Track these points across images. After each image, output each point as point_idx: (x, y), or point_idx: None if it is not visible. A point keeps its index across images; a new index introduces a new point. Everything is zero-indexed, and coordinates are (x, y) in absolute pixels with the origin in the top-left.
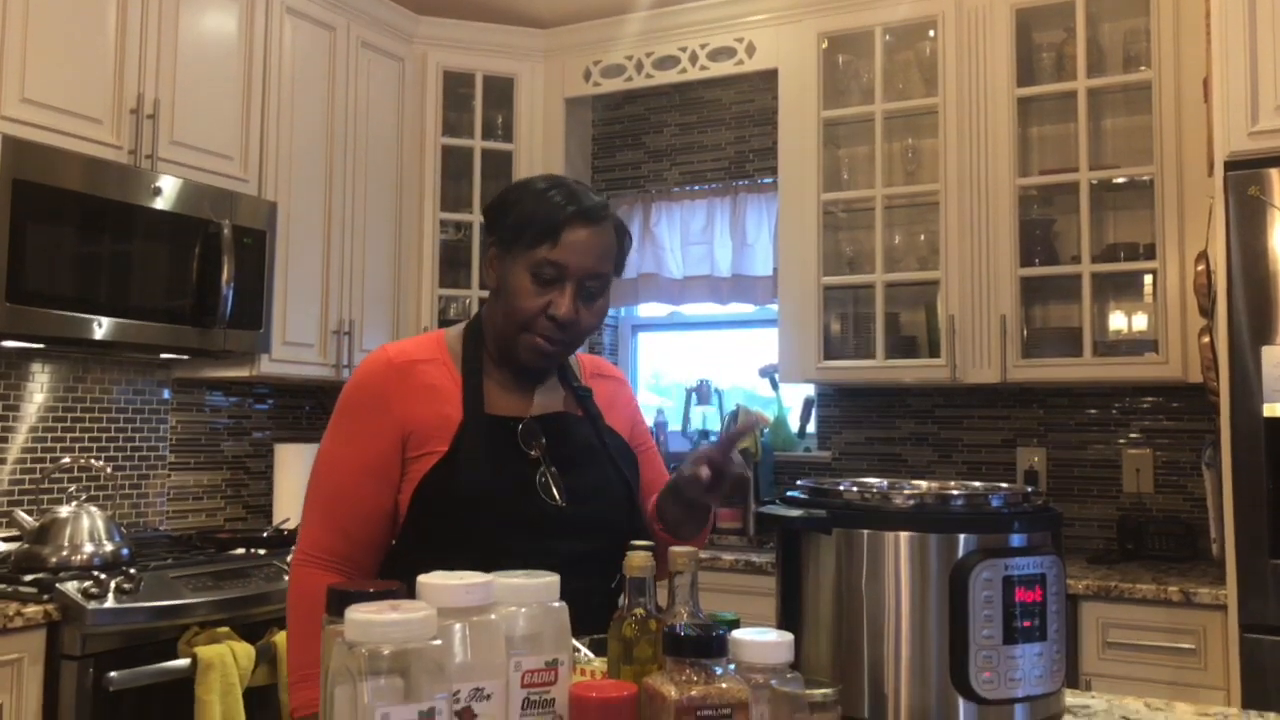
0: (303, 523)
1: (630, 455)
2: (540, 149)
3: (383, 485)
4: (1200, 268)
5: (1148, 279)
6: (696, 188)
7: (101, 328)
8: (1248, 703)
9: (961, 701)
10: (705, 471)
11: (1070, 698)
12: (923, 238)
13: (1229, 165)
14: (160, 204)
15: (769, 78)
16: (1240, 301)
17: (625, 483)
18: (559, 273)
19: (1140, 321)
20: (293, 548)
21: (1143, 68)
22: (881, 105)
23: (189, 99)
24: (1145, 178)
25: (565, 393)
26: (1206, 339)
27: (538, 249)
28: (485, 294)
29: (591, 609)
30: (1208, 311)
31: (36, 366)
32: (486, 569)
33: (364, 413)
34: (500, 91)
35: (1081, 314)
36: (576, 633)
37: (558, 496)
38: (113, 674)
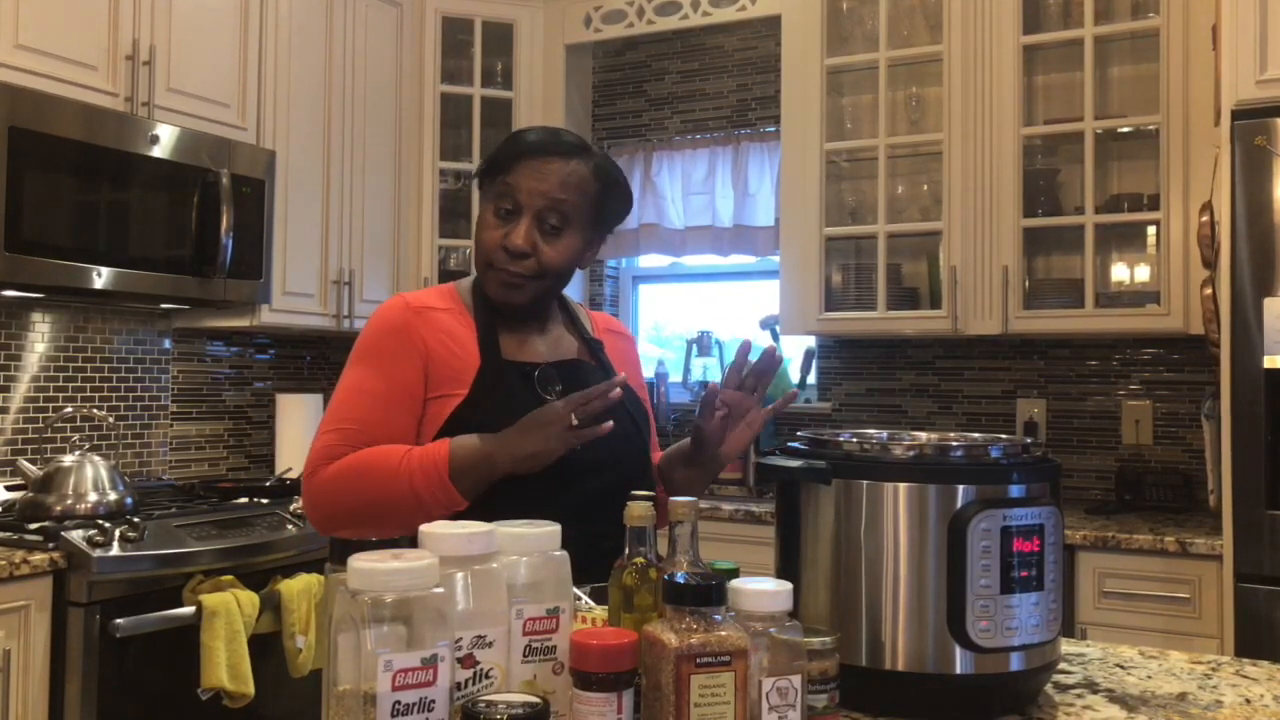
0: (314, 445)
1: (642, 408)
2: (540, 97)
3: (408, 415)
4: (1204, 218)
5: (1151, 230)
6: (698, 136)
7: (101, 277)
8: (1241, 651)
9: (958, 650)
10: (720, 411)
11: (1066, 646)
12: (925, 188)
13: (1236, 114)
14: (158, 152)
15: (772, 24)
16: (1243, 253)
17: (639, 431)
18: (515, 202)
19: (1142, 273)
20: (295, 497)
21: (1151, 15)
22: (885, 53)
23: (185, 46)
24: (1151, 127)
25: (578, 344)
26: (1209, 290)
27: (496, 179)
28: None
29: (604, 552)
30: (1211, 263)
31: (37, 316)
32: (505, 512)
33: (387, 347)
34: (500, 38)
35: (1084, 265)
36: (590, 575)
37: None
38: (119, 620)
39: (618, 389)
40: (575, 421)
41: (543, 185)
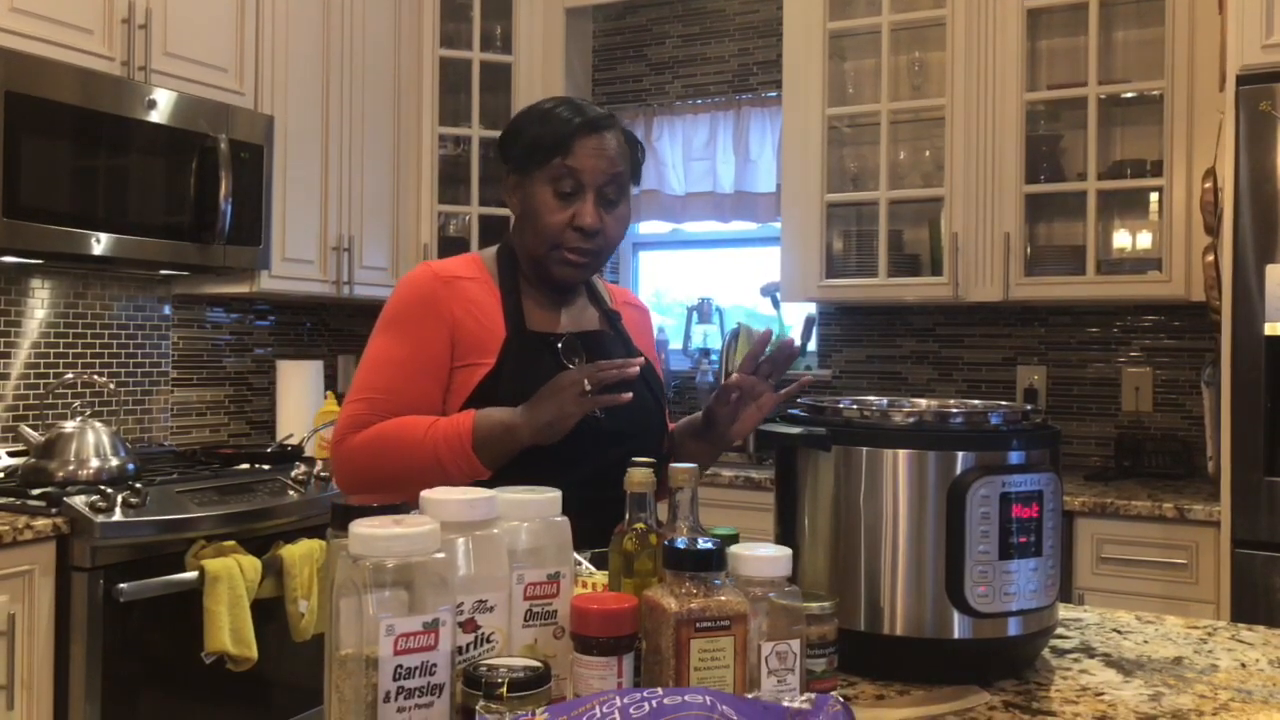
0: (341, 414)
1: (658, 380)
2: (540, 61)
3: (434, 384)
4: (1207, 185)
5: (1154, 196)
6: (699, 101)
7: (100, 243)
8: (1237, 616)
9: (956, 615)
10: (734, 394)
11: (1064, 611)
12: (928, 154)
13: (1241, 79)
14: (155, 117)
15: None
16: (1246, 219)
17: (657, 401)
18: (577, 182)
19: (1144, 239)
20: (296, 463)
21: None
22: (888, 17)
23: (182, 9)
24: (1155, 92)
25: (598, 314)
26: (1211, 257)
27: (552, 161)
28: (485, 211)
29: (619, 518)
30: (1213, 230)
31: (36, 282)
32: (527, 480)
33: (414, 317)
34: (499, 1)
35: (1086, 232)
36: (607, 540)
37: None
38: (122, 585)
39: (635, 367)
40: (589, 387)
41: (602, 162)
